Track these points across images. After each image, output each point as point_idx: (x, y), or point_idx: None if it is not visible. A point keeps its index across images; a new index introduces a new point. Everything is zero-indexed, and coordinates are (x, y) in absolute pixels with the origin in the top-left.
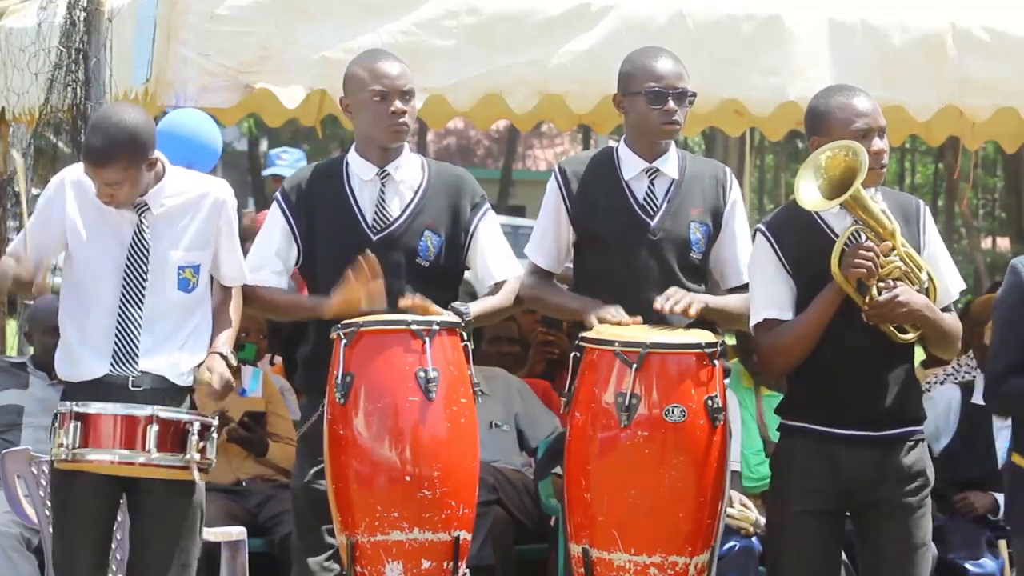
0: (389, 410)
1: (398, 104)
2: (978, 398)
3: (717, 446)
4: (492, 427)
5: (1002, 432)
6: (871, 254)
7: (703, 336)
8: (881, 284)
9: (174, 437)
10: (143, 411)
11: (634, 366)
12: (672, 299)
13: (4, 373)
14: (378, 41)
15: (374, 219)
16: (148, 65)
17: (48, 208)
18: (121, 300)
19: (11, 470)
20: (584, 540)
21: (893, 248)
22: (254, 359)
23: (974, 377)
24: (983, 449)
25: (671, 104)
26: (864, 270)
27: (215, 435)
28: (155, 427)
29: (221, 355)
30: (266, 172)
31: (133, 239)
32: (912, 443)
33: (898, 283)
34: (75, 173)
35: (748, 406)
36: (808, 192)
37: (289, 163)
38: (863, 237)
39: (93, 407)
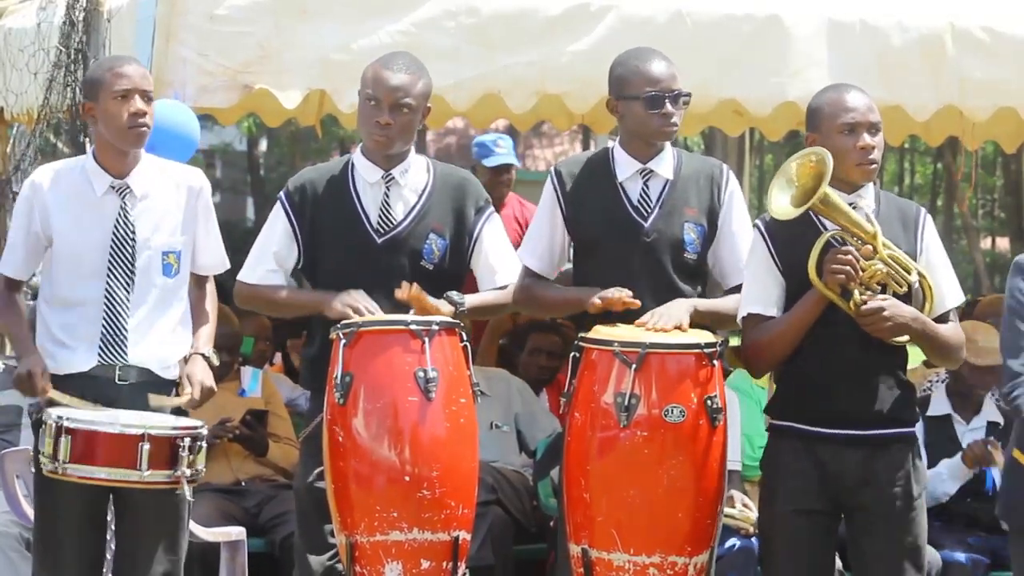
0: (388, 410)
1: (384, 116)
2: (934, 410)
3: (716, 446)
4: (492, 428)
5: (967, 435)
6: (849, 258)
7: (702, 336)
8: (868, 293)
9: (165, 453)
10: (135, 430)
11: (633, 366)
12: (654, 325)
13: (4, 373)
14: (377, 42)
15: (379, 221)
16: (147, 65)
17: (27, 223)
18: (108, 285)
19: (10, 470)
20: (583, 540)
21: (875, 251)
22: (251, 353)
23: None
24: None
25: (668, 107)
26: (843, 275)
27: (204, 444)
28: (147, 445)
29: (203, 356)
30: (491, 163)
31: (117, 223)
32: (900, 444)
33: (881, 286)
34: (45, 170)
35: (757, 397)
36: (778, 201)
37: (508, 150)
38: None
39: (82, 422)
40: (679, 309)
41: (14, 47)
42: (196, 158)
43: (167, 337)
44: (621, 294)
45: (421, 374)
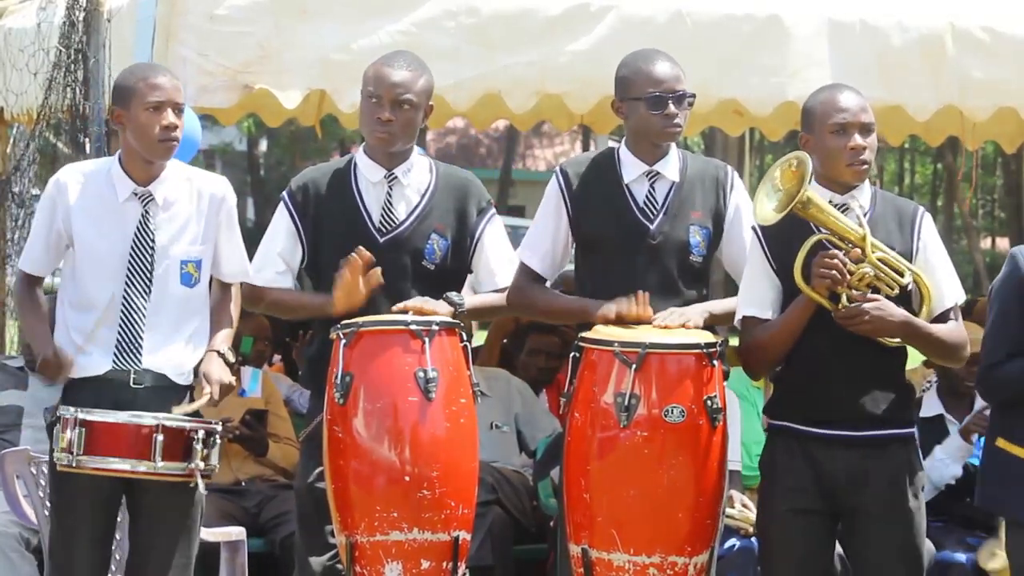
0: (388, 410)
1: (386, 112)
2: (926, 411)
3: (716, 446)
4: (492, 428)
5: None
6: (835, 262)
7: (702, 336)
8: (856, 293)
9: (179, 445)
10: (149, 420)
11: (633, 366)
12: (667, 321)
13: (4, 373)
14: (377, 42)
15: (381, 221)
16: None
17: (49, 220)
18: (125, 291)
19: (10, 470)
20: (583, 540)
21: (864, 254)
22: (250, 353)
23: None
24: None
25: (672, 108)
26: (828, 280)
27: (218, 440)
28: (160, 436)
29: (219, 353)
30: None
31: (137, 230)
32: (897, 445)
33: (872, 288)
34: (71, 170)
35: (753, 400)
36: (763, 207)
37: None
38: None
39: (98, 414)
40: (693, 314)
41: (14, 47)
42: (196, 158)
43: (183, 346)
44: (637, 308)
45: (421, 374)
